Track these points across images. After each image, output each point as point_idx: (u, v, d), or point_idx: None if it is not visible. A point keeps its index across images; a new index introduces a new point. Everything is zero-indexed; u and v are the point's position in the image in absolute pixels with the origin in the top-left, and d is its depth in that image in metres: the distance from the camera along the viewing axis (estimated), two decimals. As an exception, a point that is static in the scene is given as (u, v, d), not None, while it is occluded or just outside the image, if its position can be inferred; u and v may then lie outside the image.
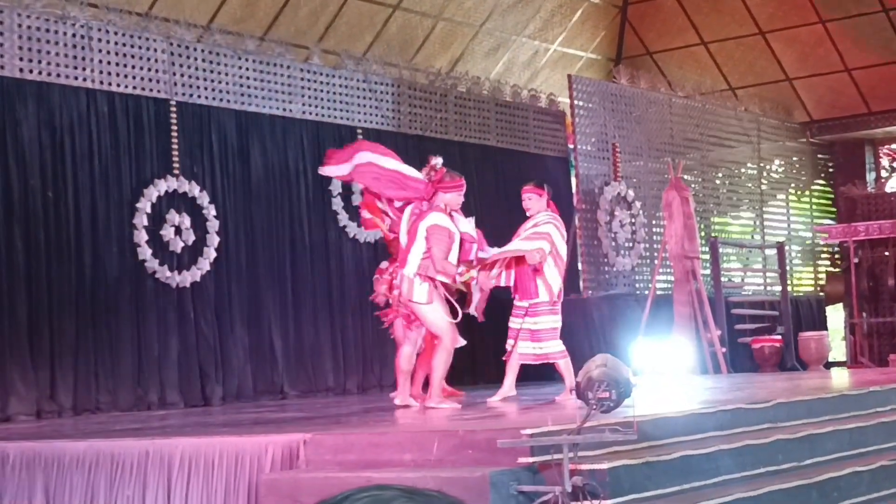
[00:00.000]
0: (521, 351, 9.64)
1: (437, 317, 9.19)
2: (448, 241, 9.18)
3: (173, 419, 10.22)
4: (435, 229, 9.17)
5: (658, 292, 15.16)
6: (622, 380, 6.52)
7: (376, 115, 14.25)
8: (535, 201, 9.85)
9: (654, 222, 16.37)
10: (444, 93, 15.25)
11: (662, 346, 13.89)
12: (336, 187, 13.57)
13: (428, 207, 9.38)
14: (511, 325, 9.66)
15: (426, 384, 9.77)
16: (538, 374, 11.22)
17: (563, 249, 9.76)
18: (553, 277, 9.58)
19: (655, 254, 15.86)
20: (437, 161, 9.51)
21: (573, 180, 15.97)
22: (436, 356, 9.30)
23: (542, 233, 9.61)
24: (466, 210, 10.48)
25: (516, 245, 9.62)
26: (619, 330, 14.60)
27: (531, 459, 6.35)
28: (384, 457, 6.92)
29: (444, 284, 9.24)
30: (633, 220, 15.96)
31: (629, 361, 11.93)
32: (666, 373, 13.46)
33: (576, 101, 15.45)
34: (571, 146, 16.09)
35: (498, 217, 14.73)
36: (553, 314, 9.62)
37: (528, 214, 9.85)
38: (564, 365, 9.66)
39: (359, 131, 13.98)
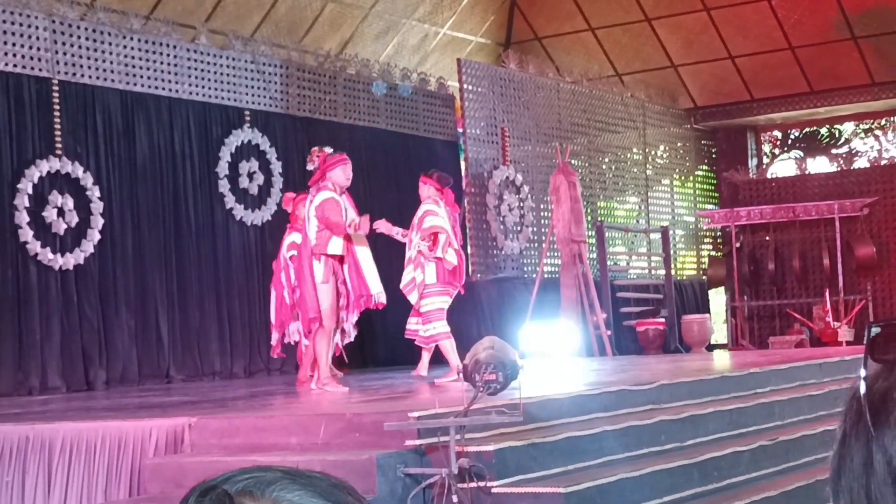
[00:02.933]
0: (409, 327, 10.09)
1: (324, 298, 9.25)
2: (339, 207, 9.32)
3: (55, 404, 10.05)
4: (326, 203, 9.33)
5: (545, 276, 15.29)
6: (509, 362, 6.57)
7: (264, 97, 14.13)
8: (422, 189, 10.48)
9: (542, 206, 16.50)
10: (333, 75, 15.17)
11: (549, 329, 14.02)
12: (223, 169, 13.43)
13: (316, 190, 9.51)
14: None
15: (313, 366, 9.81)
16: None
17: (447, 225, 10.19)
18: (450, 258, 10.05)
19: (543, 237, 16.00)
20: (327, 149, 9.78)
21: (462, 164, 16.02)
22: (318, 342, 9.38)
23: (432, 226, 10.14)
24: (355, 192, 10.53)
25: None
26: (507, 313, 14.71)
27: (418, 442, 6.38)
28: (270, 440, 6.89)
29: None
30: (521, 204, 16.07)
31: (516, 344, 12.03)
32: (552, 355, 13.60)
33: (465, 86, 15.49)
34: (461, 130, 16.13)
35: (387, 200, 14.73)
36: (443, 295, 9.91)
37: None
38: (449, 346, 9.93)
39: (246, 113, 13.85)
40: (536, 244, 16.28)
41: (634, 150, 19.18)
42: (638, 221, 19.04)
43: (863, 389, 1.14)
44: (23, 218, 11.42)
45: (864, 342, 1.17)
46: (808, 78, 18.79)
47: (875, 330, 1.16)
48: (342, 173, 9.53)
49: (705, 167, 20.51)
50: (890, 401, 1.12)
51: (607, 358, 14.17)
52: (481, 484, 6.19)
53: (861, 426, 1.13)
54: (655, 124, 19.34)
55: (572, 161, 16.21)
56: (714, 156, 20.52)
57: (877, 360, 1.15)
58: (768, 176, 20.14)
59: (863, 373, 1.15)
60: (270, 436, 6.93)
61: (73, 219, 11.82)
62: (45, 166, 11.63)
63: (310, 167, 9.74)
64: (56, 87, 11.90)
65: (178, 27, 13.45)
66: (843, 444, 1.15)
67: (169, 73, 13.06)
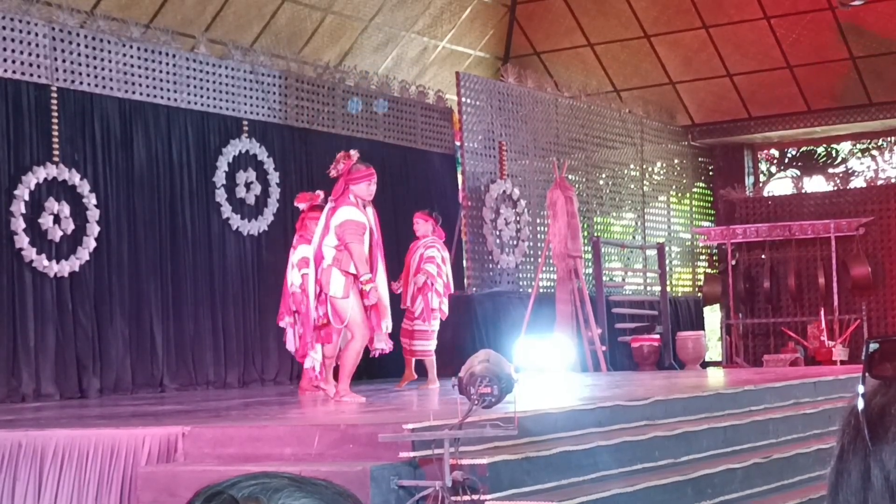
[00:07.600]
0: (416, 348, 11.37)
1: (353, 311, 9.14)
2: (362, 234, 9.18)
3: (48, 411, 10.03)
4: (347, 225, 9.14)
5: (541, 290, 15.30)
6: (504, 375, 6.57)
7: (263, 107, 14.14)
8: (420, 226, 11.55)
9: (538, 221, 16.51)
10: (331, 86, 15.18)
11: (544, 344, 14.02)
12: (220, 179, 13.44)
13: (339, 202, 9.31)
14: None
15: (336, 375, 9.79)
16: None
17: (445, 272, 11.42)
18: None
19: (539, 252, 16.00)
20: (354, 154, 9.55)
21: (459, 177, 16.02)
22: (347, 351, 9.32)
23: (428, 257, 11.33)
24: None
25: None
26: (503, 327, 14.71)
27: (412, 454, 6.37)
28: (264, 451, 6.88)
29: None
30: (517, 219, 16.08)
31: (511, 358, 12.03)
32: (547, 370, 13.59)
33: (463, 99, 15.50)
34: (458, 143, 16.14)
35: (383, 212, 14.70)
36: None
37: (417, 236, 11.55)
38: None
39: (245, 123, 13.86)
40: (532, 259, 16.28)
41: (631, 166, 19.19)
42: (634, 237, 19.04)
43: (861, 405, 1.15)
44: (19, 224, 11.42)
45: (863, 358, 1.18)
46: (806, 97, 18.83)
47: (873, 346, 1.17)
48: (366, 188, 9.38)
49: (702, 184, 20.53)
50: (888, 416, 1.13)
51: (601, 373, 14.16)
52: (475, 497, 6.19)
53: (859, 442, 1.14)
54: (653, 141, 19.36)
55: (569, 176, 16.23)
56: (711, 173, 20.54)
57: (875, 376, 1.16)
58: (765, 194, 20.17)
59: (861, 388, 1.16)
60: (264, 446, 6.93)
61: (70, 226, 11.82)
62: (42, 173, 11.63)
63: (333, 174, 9.39)
64: (55, 95, 11.91)
65: (177, 36, 13.47)
66: (840, 460, 1.15)
67: (168, 82, 13.07)
